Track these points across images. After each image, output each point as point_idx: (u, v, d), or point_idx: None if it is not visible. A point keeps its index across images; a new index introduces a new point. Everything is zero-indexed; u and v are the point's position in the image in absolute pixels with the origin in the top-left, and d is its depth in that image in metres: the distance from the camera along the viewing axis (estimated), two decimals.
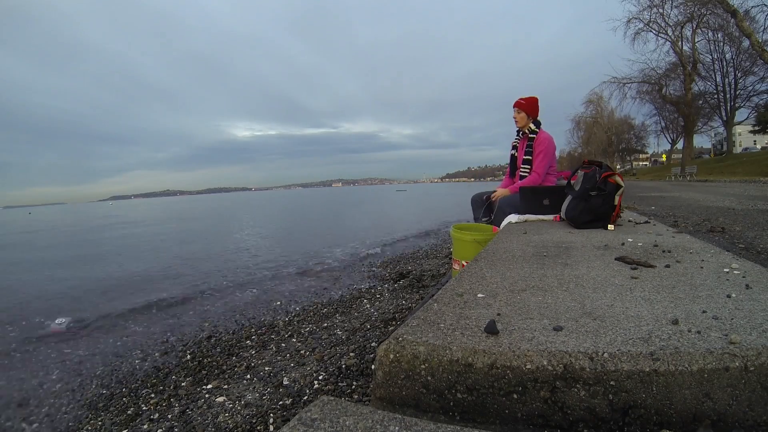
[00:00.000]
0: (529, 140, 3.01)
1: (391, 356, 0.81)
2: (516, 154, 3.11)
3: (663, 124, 35.62)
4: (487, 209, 3.15)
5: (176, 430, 1.74)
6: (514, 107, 3.04)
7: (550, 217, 2.86)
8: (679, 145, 32.50)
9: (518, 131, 3.10)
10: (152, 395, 2.19)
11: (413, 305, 3.08)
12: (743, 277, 1.19)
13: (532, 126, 2.99)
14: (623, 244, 1.80)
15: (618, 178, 2.34)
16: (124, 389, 2.32)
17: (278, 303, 4.00)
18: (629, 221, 2.64)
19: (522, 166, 3.02)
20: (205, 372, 2.41)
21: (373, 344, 2.31)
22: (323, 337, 2.72)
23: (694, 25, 23.30)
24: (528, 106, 2.99)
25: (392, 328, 2.61)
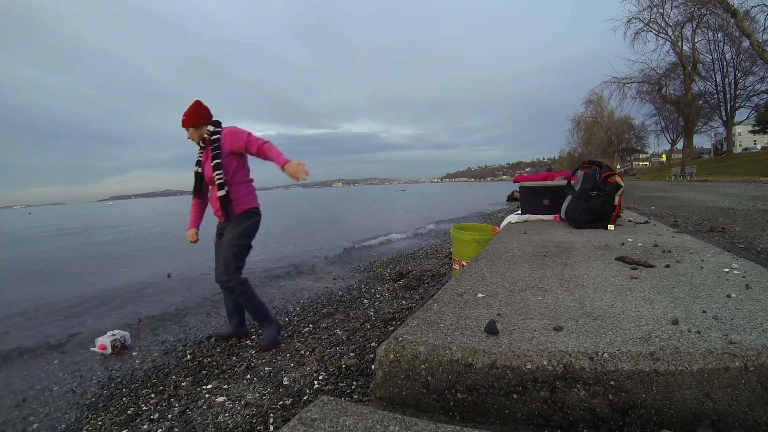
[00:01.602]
0: (214, 143, 2.43)
1: (391, 356, 0.81)
2: (201, 171, 2.51)
3: (663, 124, 35.67)
4: None
5: (176, 430, 1.74)
6: (183, 126, 2.47)
7: (550, 217, 2.87)
8: (679, 145, 32.51)
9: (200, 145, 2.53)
10: (152, 395, 2.19)
11: (413, 305, 3.08)
12: (743, 277, 1.19)
13: (211, 128, 2.45)
14: (623, 244, 1.81)
15: (618, 178, 2.34)
16: (124, 389, 2.32)
17: (278, 303, 4.00)
18: (629, 221, 2.64)
19: (216, 173, 2.42)
20: (205, 372, 2.41)
21: (373, 344, 2.31)
22: (323, 337, 2.72)
23: (694, 25, 23.31)
24: (191, 119, 2.42)
25: (392, 328, 2.61)
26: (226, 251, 2.48)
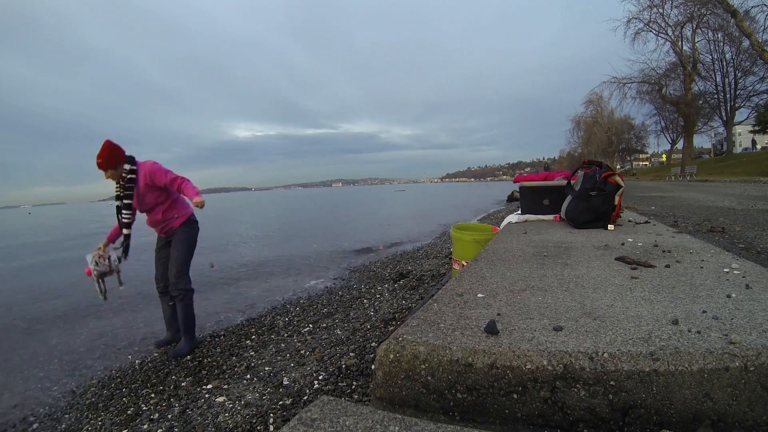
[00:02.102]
0: (129, 182, 2.53)
1: (391, 356, 0.81)
2: (122, 204, 2.59)
3: (663, 124, 35.66)
4: None
5: (176, 430, 1.74)
6: (100, 169, 2.52)
7: (550, 217, 2.87)
8: (679, 145, 32.51)
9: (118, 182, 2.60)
10: (152, 395, 2.19)
11: (413, 305, 3.08)
12: (743, 277, 1.19)
13: (128, 167, 2.51)
14: (623, 244, 1.81)
15: (618, 178, 2.34)
16: (124, 389, 2.32)
17: (278, 303, 4.00)
18: (629, 221, 2.64)
19: (124, 211, 2.58)
20: (205, 372, 2.41)
21: (373, 344, 2.31)
22: (323, 337, 2.72)
23: (694, 25, 23.30)
24: (108, 161, 2.45)
25: (392, 328, 2.61)
26: (179, 259, 2.67)
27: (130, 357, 2.84)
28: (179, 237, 2.71)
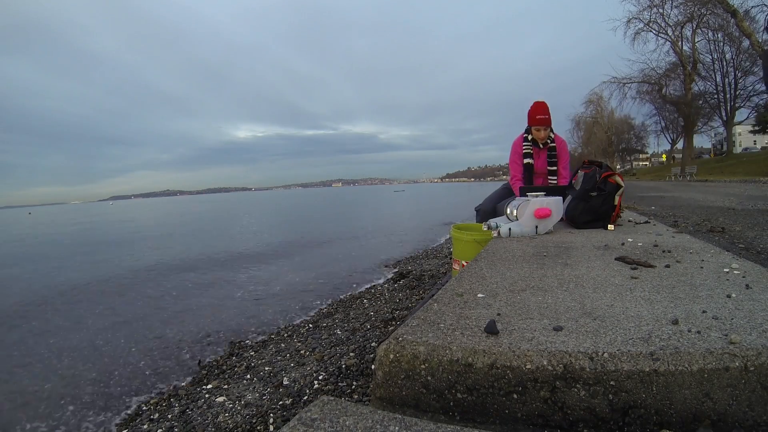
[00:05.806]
0: (550, 149, 2.82)
1: (391, 356, 0.81)
2: (533, 163, 2.85)
3: (663, 124, 35.64)
4: None
5: (176, 430, 1.74)
6: (537, 125, 2.74)
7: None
8: (679, 145, 32.52)
9: (529, 138, 2.83)
10: (152, 395, 2.19)
11: (413, 305, 3.08)
12: (743, 277, 1.19)
13: (551, 134, 2.79)
14: (623, 244, 1.80)
15: (618, 178, 2.34)
16: (124, 389, 2.32)
17: (278, 303, 4.00)
18: (629, 221, 2.64)
19: (549, 177, 2.85)
20: (205, 372, 2.41)
21: (373, 344, 2.30)
22: (323, 337, 2.72)
23: (694, 25, 23.31)
24: (550, 119, 2.72)
25: (392, 328, 2.60)
26: None
27: (130, 356, 2.84)
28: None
